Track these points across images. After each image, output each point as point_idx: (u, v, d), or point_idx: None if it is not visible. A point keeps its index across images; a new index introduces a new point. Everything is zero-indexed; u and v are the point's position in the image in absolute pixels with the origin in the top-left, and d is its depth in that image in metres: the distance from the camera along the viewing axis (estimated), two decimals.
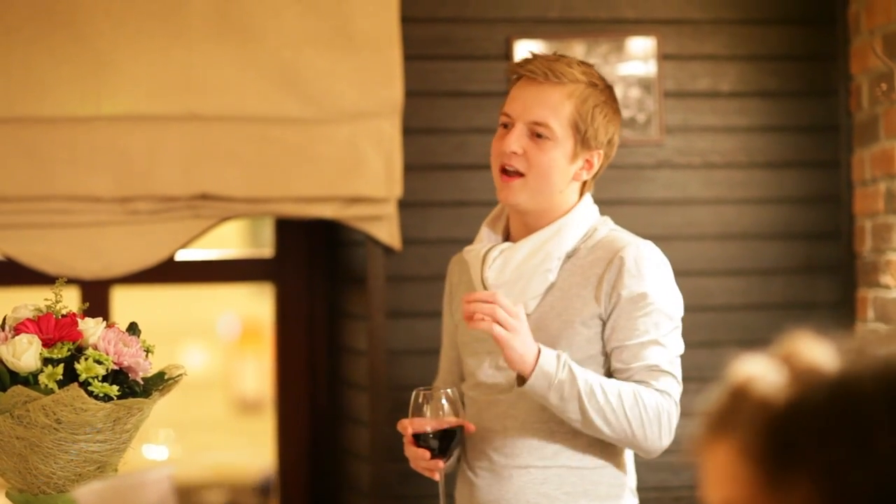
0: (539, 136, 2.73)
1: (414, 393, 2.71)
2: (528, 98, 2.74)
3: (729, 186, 3.85)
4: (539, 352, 2.62)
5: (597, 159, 2.77)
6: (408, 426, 2.70)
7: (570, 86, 2.73)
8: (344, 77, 3.65)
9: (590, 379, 2.63)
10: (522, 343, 2.60)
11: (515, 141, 2.73)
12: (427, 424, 2.69)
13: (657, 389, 2.68)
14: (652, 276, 2.72)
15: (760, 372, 1.21)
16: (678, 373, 2.73)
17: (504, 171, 2.75)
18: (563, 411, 2.64)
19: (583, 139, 2.74)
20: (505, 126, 2.77)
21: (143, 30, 3.56)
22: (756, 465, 1.17)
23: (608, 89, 2.79)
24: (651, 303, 2.70)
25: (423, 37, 3.75)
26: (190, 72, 3.57)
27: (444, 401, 2.70)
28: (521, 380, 2.64)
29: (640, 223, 3.65)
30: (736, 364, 1.24)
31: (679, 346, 2.76)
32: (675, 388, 2.71)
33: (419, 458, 2.72)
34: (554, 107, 2.72)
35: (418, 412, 2.70)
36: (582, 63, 2.78)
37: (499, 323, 2.59)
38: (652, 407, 2.66)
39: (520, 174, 2.74)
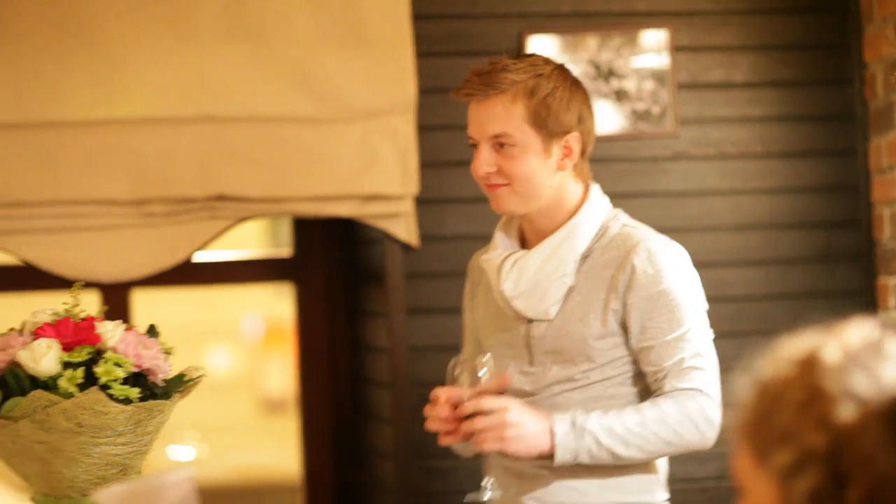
0: (503, 145, 2.70)
1: (451, 362, 2.63)
2: (481, 116, 2.71)
3: (745, 177, 3.84)
4: (552, 430, 2.58)
5: (574, 142, 2.71)
6: (440, 395, 2.62)
7: (510, 90, 2.68)
8: (357, 75, 3.65)
9: (612, 425, 2.60)
10: (534, 437, 2.58)
11: (484, 162, 2.71)
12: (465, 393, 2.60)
13: (687, 389, 2.63)
14: (667, 272, 2.67)
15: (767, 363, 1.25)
16: (709, 363, 2.67)
17: (487, 186, 2.75)
18: (599, 462, 2.63)
19: (548, 131, 2.69)
20: (474, 146, 2.75)
21: (154, 32, 3.57)
22: (747, 448, 1.22)
23: (556, 71, 2.72)
24: (671, 299, 2.67)
25: (436, 34, 3.76)
26: (202, 73, 3.58)
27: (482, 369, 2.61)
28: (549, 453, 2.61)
29: (657, 216, 3.64)
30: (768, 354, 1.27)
31: (706, 336, 2.71)
32: (708, 381, 2.65)
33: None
34: (504, 116, 2.68)
35: (454, 382, 2.62)
36: (522, 59, 2.74)
37: (503, 439, 2.56)
38: (682, 415, 2.61)
39: (503, 184, 2.72)
